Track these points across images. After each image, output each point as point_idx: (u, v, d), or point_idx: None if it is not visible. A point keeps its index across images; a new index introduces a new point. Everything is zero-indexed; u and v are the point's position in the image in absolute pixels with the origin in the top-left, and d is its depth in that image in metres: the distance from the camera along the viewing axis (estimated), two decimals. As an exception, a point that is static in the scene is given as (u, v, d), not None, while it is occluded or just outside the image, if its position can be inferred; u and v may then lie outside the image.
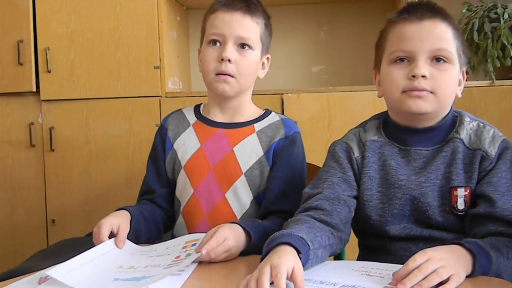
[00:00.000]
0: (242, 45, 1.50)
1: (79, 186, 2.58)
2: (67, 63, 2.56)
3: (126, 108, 2.54)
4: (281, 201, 1.47)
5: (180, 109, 1.65)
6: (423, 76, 1.24)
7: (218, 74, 1.49)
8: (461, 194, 1.25)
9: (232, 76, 1.49)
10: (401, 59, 1.28)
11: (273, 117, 1.57)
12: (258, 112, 1.60)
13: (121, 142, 2.55)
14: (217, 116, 1.57)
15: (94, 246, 1.30)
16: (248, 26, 1.50)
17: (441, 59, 1.26)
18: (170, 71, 2.60)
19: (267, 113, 1.59)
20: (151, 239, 1.45)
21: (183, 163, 1.54)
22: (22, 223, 2.64)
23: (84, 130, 2.57)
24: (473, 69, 2.54)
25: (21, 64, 2.57)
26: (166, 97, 2.52)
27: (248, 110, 1.58)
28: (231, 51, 1.48)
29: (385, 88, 1.33)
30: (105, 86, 2.54)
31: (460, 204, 1.25)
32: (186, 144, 1.55)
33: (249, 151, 1.52)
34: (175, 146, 1.57)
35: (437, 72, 1.26)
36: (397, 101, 1.29)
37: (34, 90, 2.58)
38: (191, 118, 1.60)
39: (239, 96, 1.54)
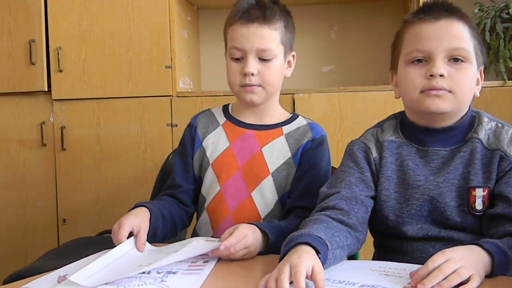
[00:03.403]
0: (264, 57, 1.50)
1: (90, 186, 2.59)
2: (79, 62, 2.57)
3: (137, 108, 2.55)
4: (304, 198, 1.48)
5: (209, 109, 1.67)
6: (441, 75, 1.24)
7: (243, 86, 1.51)
8: (479, 195, 1.24)
9: (258, 86, 1.50)
10: (419, 60, 1.28)
11: (301, 121, 1.59)
12: (286, 115, 1.61)
13: (132, 141, 2.55)
14: (247, 117, 1.58)
15: (108, 245, 1.30)
16: (267, 37, 1.49)
17: (459, 58, 1.25)
18: (181, 71, 2.61)
19: (294, 117, 1.61)
20: (165, 238, 1.46)
21: (211, 161, 1.56)
22: (33, 223, 2.65)
23: (95, 130, 2.58)
24: (484, 69, 2.53)
25: (33, 64, 2.58)
26: (177, 96, 2.53)
27: (276, 112, 1.60)
28: (253, 65, 1.48)
29: (402, 88, 1.33)
30: (116, 85, 2.55)
31: (478, 205, 1.24)
32: (216, 143, 1.57)
33: (277, 152, 1.53)
34: (204, 143, 1.58)
35: (455, 71, 1.25)
36: (416, 101, 1.28)
37: (46, 89, 2.60)
38: (221, 118, 1.62)
39: (264, 101, 1.55)
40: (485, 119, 1.32)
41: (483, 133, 1.29)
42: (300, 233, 1.10)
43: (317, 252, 1.05)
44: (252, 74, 1.49)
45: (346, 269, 1.12)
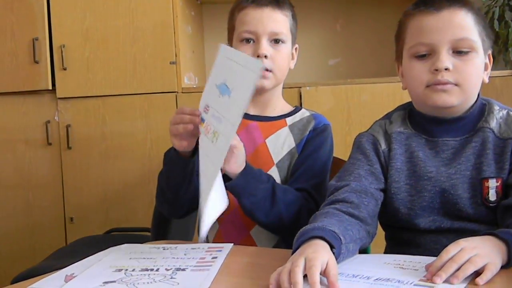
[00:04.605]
0: (276, 40, 1.51)
1: (97, 184, 2.58)
2: (83, 60, 2.55)
3: (143, 105, 2.53)
4: (298, 181, 1.47)
5: None
6: (446, 69, 1.21)
7: None
8: (493, 185, 1.21)
9: (269, 71, 1.49)
10: (423, 54, 1.25)
11: (304, 113, 1.58)
12: (289, 108, 1.61)
13: (138, 139, 2.54)
14: (250, 109, 1.58)
15: (116, 243, 1.30)
16: (279, 20, 1.50)
17: (464, 50, 1.22)
18: (185, 67, 2.59)
19: (297, 109, 1.60)
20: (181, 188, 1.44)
21: None
22: (40, 222, 2.65)
23: (101, 128, 2.57)
24: (493, 59, 2.50)
25: (37, 62, 2.57)
26: (182, 92, 2.51)
27: (279, 104, 1.59)
28: (266, 47, 1.48)
29: (408, 82, 1.31)
30: (121, 82, 2.54)
31: (492, 196, 1.21)
32: None
33: (281, 143, 1.53)
34: None
35: (461, 63, 1.21)
36: (422, 95, 1.26)
37: (50, 88, 2.58)
38: None
39: (271, 89, 1.54)
40: (496, 108, 1.29)
41: (495, 122, 1.26)
42: (313, 227, 1.08)
43: (331, 247, 1.03)
44: (266, 57, 1.48)
45: (359, 263, 1.10)
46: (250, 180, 1.35)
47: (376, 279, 0.98)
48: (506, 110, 1.28)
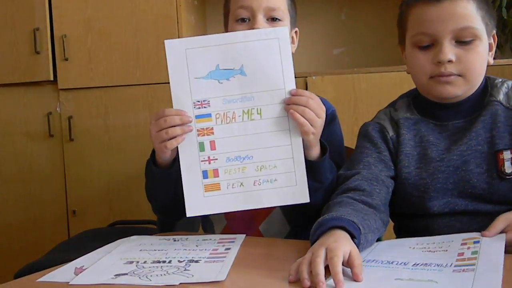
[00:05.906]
0: (272, 18, 1.44)
1: (100, 176, 2.55)
2: (85, 50, 2.51)
3: (146, 95, 2.50)
4: None
5: None
6: (449, 61, 1.20)
7: None
8: (508, 157, 1.20)
9: None
10: (425, 45, 1.23)
11: None
12: None
13: (141, 130, 2.50)
14: None
15: (120, 236, 1.27)
16: None
17: (467, 40, 1.20)
18: (189, 57, 2.55)
19: None
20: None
21: None
22: (42, 215, 2.61)
23: (104, 119, 2.53)
24: (500, 48, 2.47)
25: (38, 53, 2.53)
26: (186, 83, 2.47)
27: None
28: (261, 23, 1.42)
29: (411, 72, 1.30)
30: (124, 73, 2.50)
31: (508, 168, 1.20)
32: None
33: None
34: None
35: (464, 53, 1.20)
36: (425, 86, 1.26)
37: (52, 79, 2.54)
38: None
39: None
40: (498, 80, 1.29)
41: (501, 94, 1.26)
42: (331, 217, 1.05)
43: (352, 237, 1.00)
44: None
45: (385, 249, 1.07)
46: (326, 169, 1.30)
47: (414, 264, 0.96)
48: (510, 82, 1.28)
